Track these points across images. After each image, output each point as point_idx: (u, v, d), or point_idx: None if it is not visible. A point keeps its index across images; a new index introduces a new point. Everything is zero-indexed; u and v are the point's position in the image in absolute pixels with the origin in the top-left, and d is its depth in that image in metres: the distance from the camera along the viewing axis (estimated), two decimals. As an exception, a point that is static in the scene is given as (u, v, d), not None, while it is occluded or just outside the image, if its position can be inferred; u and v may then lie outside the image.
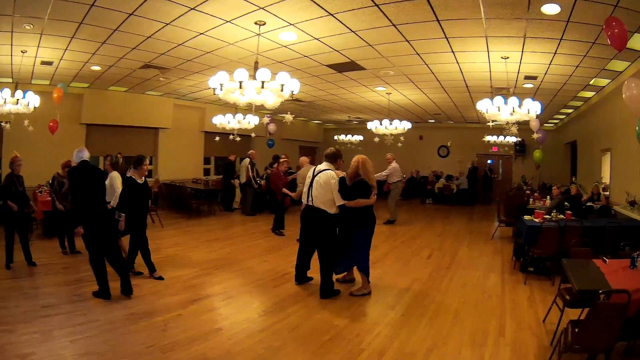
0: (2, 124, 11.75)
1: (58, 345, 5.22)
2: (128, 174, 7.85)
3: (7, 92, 10.19)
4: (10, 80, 12.70)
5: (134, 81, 14.60)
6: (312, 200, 7.46)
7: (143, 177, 8.00)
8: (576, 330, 4.29)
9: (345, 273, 8.33)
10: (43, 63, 11.46)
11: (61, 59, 11.10)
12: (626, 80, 6.70)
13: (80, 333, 5.60)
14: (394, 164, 15.46)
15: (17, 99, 10.30)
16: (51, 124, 12.29)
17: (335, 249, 7.63)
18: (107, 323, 5.97)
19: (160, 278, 8.08)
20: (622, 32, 5.81)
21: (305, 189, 7.66)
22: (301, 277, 8.14)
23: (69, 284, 7.58)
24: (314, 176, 7.55)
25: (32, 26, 8.48)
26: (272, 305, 7.03)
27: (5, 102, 10.23)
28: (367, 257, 7.77)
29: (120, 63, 11.83)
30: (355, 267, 8.03)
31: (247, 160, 16.58)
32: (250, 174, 16.68)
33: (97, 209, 7.06)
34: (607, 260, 5.67)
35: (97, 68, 12.38)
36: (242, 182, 16.66)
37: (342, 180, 7.42)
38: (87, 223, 6.94)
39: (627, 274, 5.18)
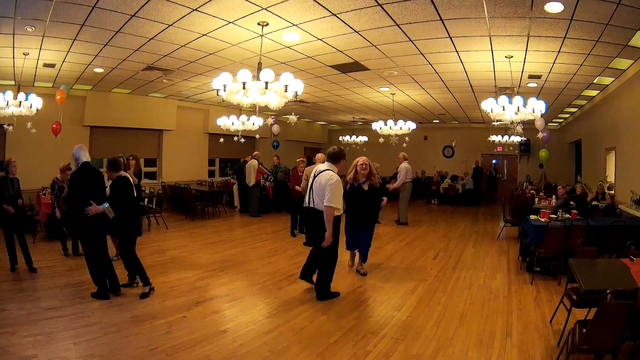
0: (5, 126, 11.72)
1: (61, 347, 5.20)
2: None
3: (9, 94, 10.16)
4: (12, 82, 12.69)
5: (137, 83, 14.60)
6: (313, 202, 7.29)
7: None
8: (584, 330, 4.24)
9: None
10: (45, 65, 11.45)
11: (63, 61, 11.08)
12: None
13: (83, 335, 5.58)
14: (403, 164, 15.30)
15: (20, 101, 10.26)
16: (54, 126, 12.27)
17: (336, 252, 7.45)
18: (110, 325, 5.95)
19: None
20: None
21: (307, 190, 7.55)
22: (306, 275, 8.02)
23: (72, 286, 7.56)
24: (314, 177, 7.36)
25: (33, 28, 8.47)
26: (277, 307, 6.99)
27: (7, 105, 10.20)
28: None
29: (123, 65, 11.82)
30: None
31: (255, 161, 16.54)
32: (267, 173, 16.81)
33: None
34: (634, 258, 5.63)
35: (99, 70, 12.38)
36: (250, 184, 16.55)
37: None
38: (82, 225, 7.07)
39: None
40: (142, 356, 5.08)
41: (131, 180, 7.51)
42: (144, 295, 7.16)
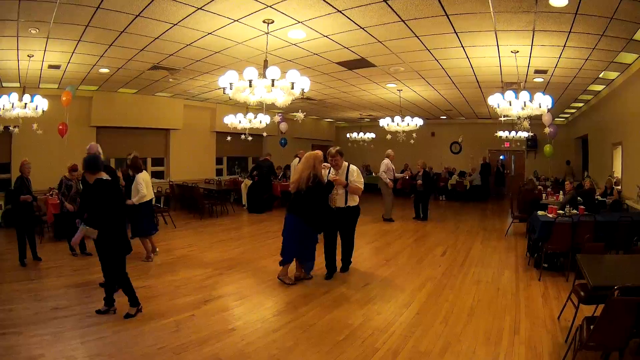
0: (11, 128, 11.79)
1: (68, 346, 5.23)
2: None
3: (14, 96, 10.22)
4: (17, 84, 12.75)
5: (143, 83, 14.63)
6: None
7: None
8: (591, 327, 4.22)
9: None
10: (50, 67, 11.50)
11: (68, 62, 11.12)
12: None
13: (91, 334, 5.60)
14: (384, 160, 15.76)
15: (25, 103, 10.34)
16: (60, 127, 12.29)
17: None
18: (118, 324, 5.97)
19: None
20: None
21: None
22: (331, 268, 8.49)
23: (80, 285, 7.58)
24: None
25: (37, 30, 8.49)
26: (285, 304, 7.01)
27: (13, 107, 10.26)
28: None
29: (128, 65, 11.84)
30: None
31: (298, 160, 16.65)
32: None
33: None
34: None
35: (105, 70, 12.41)
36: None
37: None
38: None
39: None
40: (150, 355, 5.09)
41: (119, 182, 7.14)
42: (128, 316, 6.27)
